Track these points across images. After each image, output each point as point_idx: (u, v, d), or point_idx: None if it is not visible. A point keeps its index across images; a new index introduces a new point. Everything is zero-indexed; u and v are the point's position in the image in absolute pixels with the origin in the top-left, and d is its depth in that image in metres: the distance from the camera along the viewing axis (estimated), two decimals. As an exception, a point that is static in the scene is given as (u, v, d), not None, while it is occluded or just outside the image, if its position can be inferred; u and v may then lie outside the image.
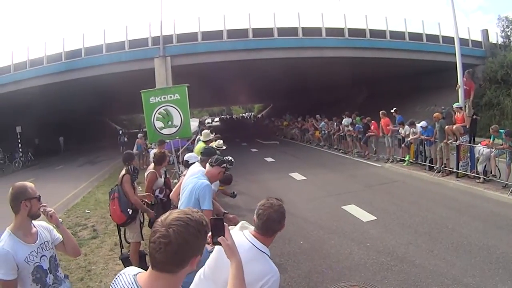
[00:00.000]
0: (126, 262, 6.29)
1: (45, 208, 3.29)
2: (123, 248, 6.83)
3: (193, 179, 5.02)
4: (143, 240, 6.63)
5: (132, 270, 1.97)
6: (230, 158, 8.81)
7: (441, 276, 6.22)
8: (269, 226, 2.84)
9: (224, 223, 2.35)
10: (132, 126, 58.35)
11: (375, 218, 9.56)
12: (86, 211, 11.73)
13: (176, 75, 21.50)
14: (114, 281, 1.96)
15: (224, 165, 5.23)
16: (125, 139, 29.19)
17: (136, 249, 6.56)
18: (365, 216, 9.75)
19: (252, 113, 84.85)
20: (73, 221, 10.64)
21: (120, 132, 37.34)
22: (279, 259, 7.15)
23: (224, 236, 2.32)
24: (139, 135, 21.83)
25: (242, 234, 2.96)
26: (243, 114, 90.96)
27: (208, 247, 2.73)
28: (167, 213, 1.80)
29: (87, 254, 7.88)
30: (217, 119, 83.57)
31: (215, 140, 10.92)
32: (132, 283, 1.83)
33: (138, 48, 22.89)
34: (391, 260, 7.02)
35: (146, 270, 1.87)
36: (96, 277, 6.67)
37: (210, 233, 2.22)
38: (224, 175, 5.65)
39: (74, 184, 17.01)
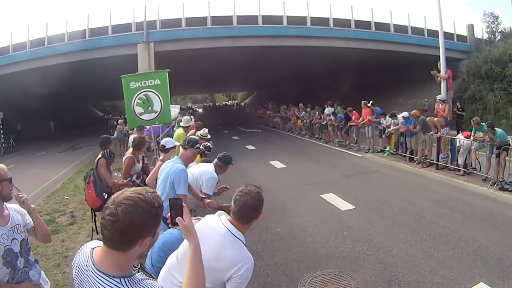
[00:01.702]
0: None
1: (19, 193, 3.25)
2: (98, 234, 6.69)
3: (169, 164, 5.04)
4: None
5: (93, 243, 1.97)
6: (209, 144, 8.63)
7: (417, 267, 6.12)
8: (245, 212, 2.85)
9: (183, 204, 2.29)
10: (115, 112, 57.70)
11: (354, 207, 9.46)
12: (65, 197, 11.51)
13: (159, 61, 21.11)
14: (78, 252, 1.98)
15: (197, 145, 5.29)
16: (116, 123, 28.87)
17: None
18: (343, 205, 9.64)
19: (235, 101, 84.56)
20: (52, 207, 10.43)
21: (110, 116, 37.13)
22: (255, 246, 7.05)
23: (182, 217, 2.25)
24: (120, 121, 21.62)
25: (219, 219, 2.96)
26: (226, 102, 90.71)
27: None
28: (122, 191, 1.79)
29: (65, 240, 7.73)
30: (196, 107, 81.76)
31: (200, 129, 10.74)
32: (88, 257, 1.84)
33: (121, 34, 22.46)
34: (368, 249, 6.92)
35: None
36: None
37: (169, 214, 2.27)
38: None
39: (55, 170, 16.69)
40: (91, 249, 1.88)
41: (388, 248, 6.95)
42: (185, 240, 2.68)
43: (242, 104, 72.85)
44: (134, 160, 7.33)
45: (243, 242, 2.86)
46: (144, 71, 18.76)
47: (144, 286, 1.77)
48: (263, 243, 7.37)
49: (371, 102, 17.00)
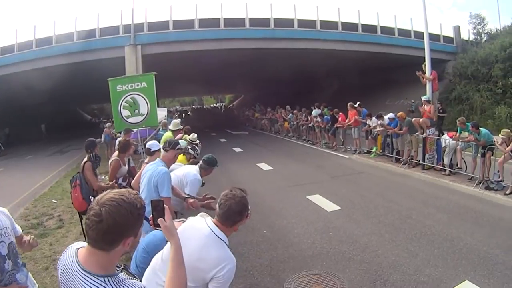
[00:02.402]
0: None
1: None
2: (85, 236, 6.54)
3: (152, 166, 5.08)
4: None
5: (78, 244, 2.04)
6: (198, 141, 8.66)
7: (403, 266, 6.09)
8: (229, 216, 2.90)
9: (165, 206, 2.35)
10: (102, 115, 57.47)
11: (339, 208, 9.42)
12: (53, 200, 11.42)
13: (146, 64, 21.02)
14: (63, 253, 2.04)
15: (178, 147, 5.34)
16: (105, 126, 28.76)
17: None
18: (329, 206, 9.60)
19: (223, 104, 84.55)
20: (40, 211, 10.35)
21: (101, 118, 37.07)
22: (242, 247, 7.04)
23: (164, 218, 2.31)
24: (107, 124, 21.49)
25: (204, 221, 3.01)
26: (214, 104, 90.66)
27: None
28: (106, 192, 1.87)
29: (53, 244, 7.66)
30: (186, 110, 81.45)
31: (189, 134, 10.76)
32: (73, 257, 1.91)
33: (109, 36, 22.33)
34: (354, 249, 6.89)
35: None
36: None
37: (151, 215, 2.35)
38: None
39: (43, 174, 16.52)
40: (76, 250, 1.95)
41: (373, 248, 6.92)
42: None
43: (230, 106, 72.89)
44: (120, 163, 7.32)
45: (226, 244, 2.90)
46: (132, 74, 18.64)
47: (127, 285, 1.83)
48: (249, 244, 7.32)
49: (358, 103, 17.02)
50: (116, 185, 7.07)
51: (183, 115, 49.52)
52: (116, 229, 1.76)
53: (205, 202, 5.50)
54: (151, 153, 6.53)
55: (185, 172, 6.06)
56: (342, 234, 7.71)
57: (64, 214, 9.84)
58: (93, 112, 61.14)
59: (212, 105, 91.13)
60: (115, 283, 1.81)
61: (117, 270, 1.92)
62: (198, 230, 2.89)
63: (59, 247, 7.36)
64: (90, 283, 1.79)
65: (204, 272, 2.79)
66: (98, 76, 22.63)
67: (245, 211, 2.97)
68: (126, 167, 7.52)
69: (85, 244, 1.98)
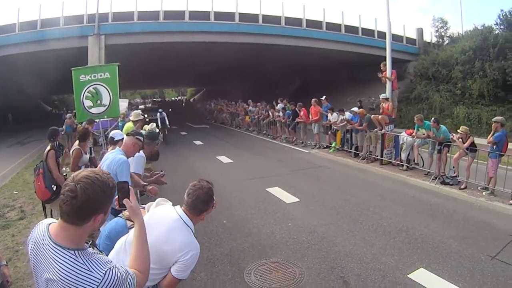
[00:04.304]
0: None
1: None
2: None
3: (111, 155, 5.07)
4: None
5: (48, 220, 2.11)
6: (157, 130, 8.56)
7: (360, 255, 6.17)
8: (197, 205, 3.08)
9: (130, 187, 2.51)
10: (63, 106, 55.90)
11: (298, 200, 9.47)
12: (14, 192, 11.04)
13: (109, 55, 20.47)
14: (33, 229, 2.09)
15: (138, 136, 5.30)
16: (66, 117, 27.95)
17: None
18: (288, 198, 9.64)
19: (185, 97, 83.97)
20: (1, 203, 9.99)
21: (64, 109, 36.24)
22: (202, 237, 6.88)
23: (129, 199, 2.45)
24: (68, 115, 20.86)
25: (173, 208, 3.18)
26: (176, 97, 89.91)
27: (129, 223, 3.25)
28: (80, 171, 1.98)
29: (15, 235, 7.48)
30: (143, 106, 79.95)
31: (148, 124, 10.66)
32: (44, 231, 1.98)
33: (73, 25, 21.56)
34: (312, 239, 6.94)
35: None
36: (23, 257, 6.26)
37: (116, 197, 2.43)
38: (153, 151, 6.05)
39: (3, 165, 15.89)
40: (47, 225, 2.02)
41: (331, 238, 6.97)
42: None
43: (191, 100, 72.44)
44: (82, 152, 7.25)
45: (192, 231, 3.06)
46: (94, 64, 18.23)
47: (95, 259, 1.93)
48: (209, 234, 7.29)
49: (324, 97, 17.14)
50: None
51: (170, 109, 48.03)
52: (89, 205, 1.87)
53: (153, 178, 5.72)
54: (114, 142, 6.51)
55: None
56: (301, 224, 7.75)
57: (25, 205, 9.58)
58: (53, 103, 59.53)
59: (173, 98, 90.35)
60: (84, 256, 1.90)
61: (86, 246, 2.00)
62: (167, 216, 3.03)
63: (21, 238, 7.20)
64: (61, 256, 1.88)
65: (169, 255, 2.91)
66: (59, 66, 22.01)
67: (211, 201, 3.18)
68: (88, 155, 7.47)
69: (54, 220, 2.07)
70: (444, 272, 5.57)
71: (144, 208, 3.43)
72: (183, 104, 66.79)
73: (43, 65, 24.86)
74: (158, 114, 21.29)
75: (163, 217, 3.03)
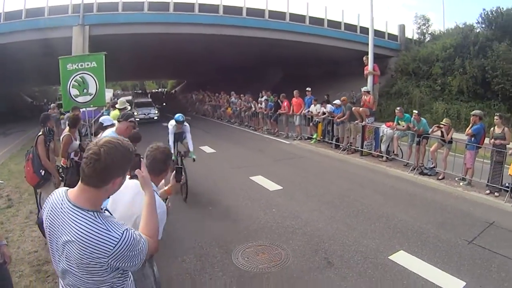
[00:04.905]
0: (42, 226, 5.92)
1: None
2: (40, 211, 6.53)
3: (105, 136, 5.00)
4: None
5: (64, 188, 2.19)
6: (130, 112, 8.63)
7: (342, 238, 6.37)
8: (155, 165, 3.23)
9: (141, 159, 2.66)
10: (43, 98, 54.96)
11: (281, 187, 9.64)
12: (0, 181, 10.92)
13: (93, 46, 20.15)
14: (48, 198, 2.17)
15: (131, 119, 5.54)
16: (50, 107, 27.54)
17: None
18: (271, 186, 9.81)
19: (165, 89, 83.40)
20: None
21: (45, 100, 35.57)
22: (189, 224, 7.20)
23: (140, 169, 2.60)
24: (52, 105, 20.70)
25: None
26: (157, 89, 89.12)
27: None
28: (102, 137, 2.16)
29: (3, 223, 7.45)
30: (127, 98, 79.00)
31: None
32: (63, 196, 2.08)
33: (58, 15, 21.23)
34: (296, 224, 7.13)
35: None
36: (13, 244, 6.27)
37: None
38: (133, 133, 5.89)
39: None
40: (65, 191, 2.12)
41: (314, 223, 7.15)
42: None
43: (172, 92, 72.08)
44: (72, 138, 7.23)
45: (156, 192, 3.03)
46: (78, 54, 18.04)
47: (111, 221, 2.04)
48: (196, 220, 7.44)
49: (308, 89, 17.28)
50: (65, 161, 7.15)
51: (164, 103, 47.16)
52: (111, 168, 1.98)
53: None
54: (103, 128, 6.70)
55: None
56: (285, 210, 7.92)
57: (12, 194, 9.49)
58: (34, 95, 58.40)
59: (153, 90, 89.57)
60: (102, 218, 2.01)
61: (102, 209, 2.16)
62: (132, 181, 3.00)
63: (10, 226, 7.21)
64: (80, 217, 1.98)
65: (136, 215, 2.95)
66: (42, 57, 21.75)
67: (168, 160, 3.34)
68: (78, 142, 7.45)
69: (68, 188, 2.17)
70: (423, 254, 5.81)
71: None
72: (164, 96, 66.26)
73: (25, 56, 24.41)
74: (184, 127, 9.70)
75: (130, 183, 3.02)
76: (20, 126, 24.59)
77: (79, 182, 2.04)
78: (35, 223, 6.62)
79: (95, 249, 1.93)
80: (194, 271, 5.48)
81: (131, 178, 2.60)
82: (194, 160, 9.04)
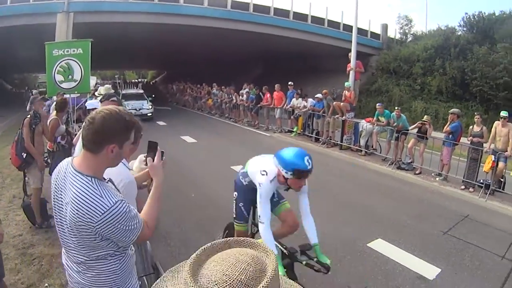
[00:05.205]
0: (27, 210, 6.25)
1: None
2: (26, 195, 6.68)
3: None
4: (41, 185, 6.41)
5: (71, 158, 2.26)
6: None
7: (322, 226, 6.24)
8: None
9: (157, 148, 2.62)
10: (24, 86, 53.95)
11: (262, 177, 9.69)
12: None
13: (76, 33, 19.95)
14: (58, 165, 2.25)
15: (113, 98, 5.29)
16: (31, 95, 27.05)
17: (37, 195, 6.35)
18: (252, 175, 9.86)
19: (145, 79, 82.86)
20: None
21: (26, 88, 36.76)
22: (174, 211, 7.19)
23: (153, 158, 2.57)
24: (34, 91, 20.41)
25: None
26: (137, 79, 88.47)
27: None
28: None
29: None
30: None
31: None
32: (68, 162, 2.17)
33: (42, 1, 20.89)
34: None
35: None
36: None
37: (145, 155, 2.64)
38: None
39: None
40: (72, 158, 2.20)
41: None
42: None
43: (152, 82, 71.70)
44: (59, 122, 7.24)
45: (124, 164, 3.10)
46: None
47: (110, 190, 2.08)
48: (180, 207, 7.46)
49: (290, 83, 17.38)
50: (52, 145, 7.18)
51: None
52: (104, 132, 2.02)
53: None
54: (87, 112, 6.57)
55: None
56: (265, 199, 8.01)
57: None
58: (14, 82, 57.26)
59: (133, 80, 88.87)
60: (99, 184, 2.05)
61: (105, 180, 2.20)
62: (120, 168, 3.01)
63: None
64: (79, 180, 2.03)
65: None
66: (24, 43, 21.39)
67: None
68: (64, 126, 7.48)
69: (73, 157, 2.25)
70: (400, 242, 5.97)
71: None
72: (143, 87, 65.95)
73: (6, 42, 24.00)
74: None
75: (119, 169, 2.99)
76: (4, 112, 24.20)
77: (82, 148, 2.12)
78: (20, 206, 6.60)
79: (86, 213, 1.97)
80: (179, 254, 5.54)
81: (145, 165, 2.68)
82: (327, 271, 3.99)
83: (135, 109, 21.32)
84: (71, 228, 2.04)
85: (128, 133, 2.13)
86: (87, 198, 1.98)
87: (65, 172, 2.12)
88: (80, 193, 1.99)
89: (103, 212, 1.96)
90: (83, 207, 1.97)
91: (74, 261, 2.17)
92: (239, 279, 0.87)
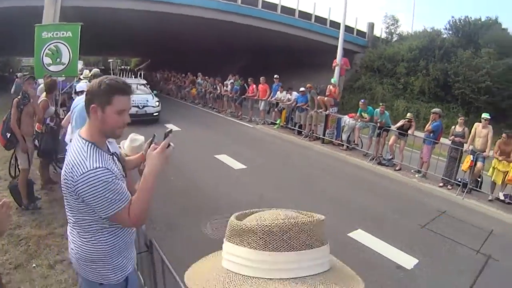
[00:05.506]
0: (14, 191, 6.24)
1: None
2: (12, 177, 6.89)
3: (81, 99, 4.95)
4: (29, 167, 6.42)
5: None
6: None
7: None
8: None
9: (168, 136, 2.47)
10: (8, 68, 52.87)
11: (246, 167, 9.87)
12: None
13: (63, 17, 19.67)
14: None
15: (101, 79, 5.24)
16: (16, 77, 26.61)
17: (24, 176, 6.33)
18: (236, 164, 10.01)
19: (129, 67, 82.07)
20: None
21: (10, 70, 37.18)
22: (159, 197, 6.96)
23: (159, 145, 2.40)
24: (19, 74, 20.10)
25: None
26: (120, 67, 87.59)
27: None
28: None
29: None
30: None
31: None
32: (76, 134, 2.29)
33: None
34: (260, 202, 7.37)
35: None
36: None
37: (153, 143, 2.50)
38: None
39: None
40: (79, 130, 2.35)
41: (278, 202, 7.39)
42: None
43: (138, 69, 71.14)
44: (48, 103, 7.20)
45: (111, 143, 2.95)
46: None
47: (97, 155, 2.09)
48: (165, 194, 7.35)
49: (277, 76, 17.48)
50: (41, 126, 7.08)
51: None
52: (88, 91, 2.22)
53: None
54: (80, 94, 6.65)
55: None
56: (250, 188, 8.23)
57: None
58: None
59: (118, 67, 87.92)
60: (90, 148, 2.12)
61: (104, 150, 2.22)
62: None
63: None
64: (75, 142, 2.20)
65: None
66: (8, 26, 21.00)
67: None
68: (53, 108, 7.45)
69: None
70: (380, 234, 6.15)
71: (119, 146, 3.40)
72: (127, 74, 65.29)
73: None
74: None
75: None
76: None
77: None
78: (7, 188, 6.58)
79: (69, 172, 2.04)
80: (165, 237, 5.61)
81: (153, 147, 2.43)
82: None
83: (138, 106, 15.85)
84: (63, 186, 2.12)
85: (107, 96, 2.12)
86: (73, 158, 2.06)
87: (74, 139, 2.26)
88: (71, 153, 2.12)
89: (82, 173, 1.99)
90: (68, 165, 2.07)
91: (68, 222, 2.30)
92: (288, 215, 0.83)
